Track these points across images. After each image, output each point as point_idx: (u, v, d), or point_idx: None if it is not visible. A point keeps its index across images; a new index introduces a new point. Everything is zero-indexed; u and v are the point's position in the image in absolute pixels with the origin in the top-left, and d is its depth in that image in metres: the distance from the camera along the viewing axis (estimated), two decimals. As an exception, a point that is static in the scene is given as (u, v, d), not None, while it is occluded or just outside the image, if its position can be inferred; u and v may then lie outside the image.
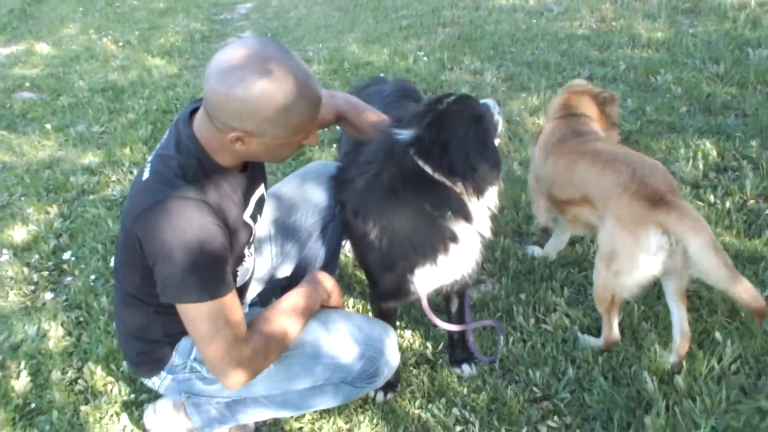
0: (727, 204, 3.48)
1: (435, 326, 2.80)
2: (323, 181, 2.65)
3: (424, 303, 2.44)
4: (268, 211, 2.57)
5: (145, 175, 1.94)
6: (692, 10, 6.87)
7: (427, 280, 2.29)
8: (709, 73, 5.16)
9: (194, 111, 1.99)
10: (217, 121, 1.84)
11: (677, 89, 4.95)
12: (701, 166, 3.87)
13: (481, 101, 2.31)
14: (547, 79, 5.48)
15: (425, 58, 6.23)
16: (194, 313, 1.86)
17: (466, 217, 2.15)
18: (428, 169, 2.07)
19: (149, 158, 2.01)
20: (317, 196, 2.64)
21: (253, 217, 2.19)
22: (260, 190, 2.25)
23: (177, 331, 2.13)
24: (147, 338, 2.17)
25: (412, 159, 2.08)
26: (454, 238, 2.20)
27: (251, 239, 2.22)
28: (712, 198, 3.55)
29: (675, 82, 5.08)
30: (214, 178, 1.95)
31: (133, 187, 2.01)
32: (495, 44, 6.49)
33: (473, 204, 2.14)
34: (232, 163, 2.00)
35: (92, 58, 7.38)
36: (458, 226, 2.19)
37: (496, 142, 2.29)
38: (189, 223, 1.80)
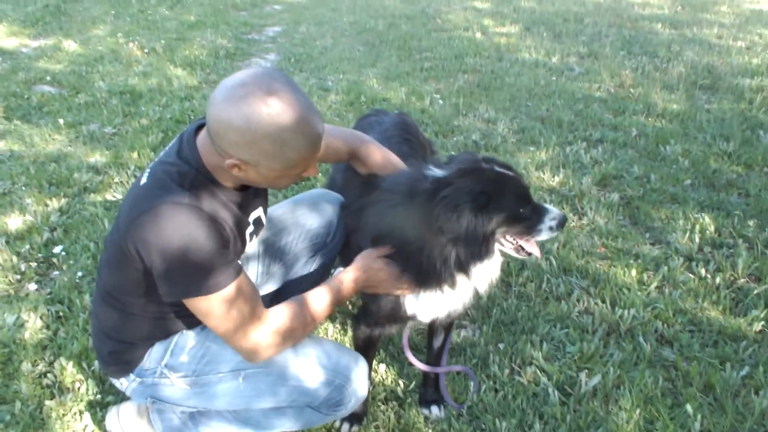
0: (717, 280, 3.49)
1: (410, 365, 2.81)
2: (317, 209, 2.67)
3: (405, 338, 2.46)
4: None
5: (143, 180, 1.97)
6: (710, 87, 6.93)
7: (424, 307, 2.31)
8: (719, 149, 5.19)
9: (201, 126, 2.01)
10: (216, 146, 1.86)
11: (684, 161, 4.98)
12: (697, 240, 3.87)
13: (544, 205, 2.25)
14: (558, 135, 5.52)
15: (441, 101, 6.28)
16: (206, 306, 1.91)
17: (460, 274, 2.17)
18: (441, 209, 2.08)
19: (150, 165, 2.03)
20: (310, 221, 2.66)
21: (251, 235, 2.22)
22: (258, 211, 2.27)
23: (151, 335, 2.16)
24: (121, 338, 2.18)
25: (429, 200, 2.09)
26: (453, 284, 2.20)
27: (239, 256, 2.24)
28: (703, 272, 3.56)
29: (683, 155, 5.12)
30: (211, 189, 1.97)
31: (130, 192, 2.03)
32: (512, 96, 6.55)
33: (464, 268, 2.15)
34: (231, 183, 2.02)
35: (116, 60, 7.47)
36: (458, 275, 2.19)
37: (534, 249, 2.27)
38: (185, 224, 1.82)
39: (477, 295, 2.30)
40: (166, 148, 2.09)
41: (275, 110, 1.76)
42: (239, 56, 8.13)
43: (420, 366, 2.61)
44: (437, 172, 2.18)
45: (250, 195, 2.15)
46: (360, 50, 8.32)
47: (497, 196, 2.10)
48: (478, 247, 2.10)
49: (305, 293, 2.13)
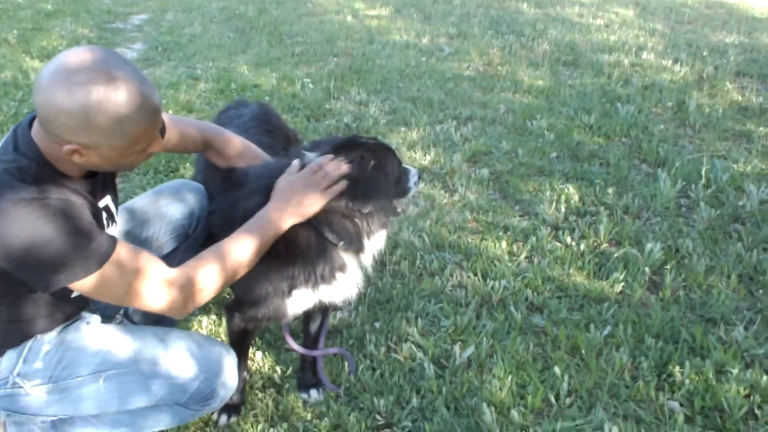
0: (582, 246, 3.65)
1: (288, 349, 2.80)
2: (179, 198, 2.61)
3: (284, 324, 2.46)
4: (120, 223, 2.49)
5: None
6: (573, 63, 7.22)
7: (303, 302, 2.29)
8: (581, 122, 5.43)
9: (35, 118, 1.90)
10: (51, 134, 1.76)
11: (550, 135, 5.18)
12: (563, 209, 4.04)
13: (404, 166, 2.34)
14: (428, 115, 5.61)
15: (312, 86, 6.25)
16: (96, 284, 1.81)
17: (359, 249, 2.19)
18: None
19: None
20: (172, 211, 2.58)
21: (100, 226, 2.12)
22: (107, 199, 2.16)
23: (2, 344, 2.03)
24: None
25: None
26: (342, 268, 2.23)
27: None
28: (569, 240, 3.71)
29: (549, 128, 5.31)
30: (57, 180, 1.85)
31: None
32: (384, 78, 6.60)
33: (365, 239, 2.18)
34: (74, 172, 1.91)
35: (-37, 54, 7.04)
36: (348, 256, 2.22)
37: (400, 207, 2.36)
38: (33, 220, 1.71)
39: (366, 274, 2.34)
40: (0, 145, 1.94)
41: (105, 86, 1.68)
42: (103, 47, 7.79)
43: (300, 350, 2.60)
44: (312, 155, 2.18)
45: (98, 183, 2.06)
46: (230, 37, 8.16)
47: (383, 163, 2.19)
48: (380, 217, 2.19)
49: (223, 241, 2.05)
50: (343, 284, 2.28)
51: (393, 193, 2.26)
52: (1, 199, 1.73)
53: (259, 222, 2.08)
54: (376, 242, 2.24)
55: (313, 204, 2.09)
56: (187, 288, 1.96)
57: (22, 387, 2.03)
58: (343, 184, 2.09)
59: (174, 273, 1.94)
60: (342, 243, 2.15)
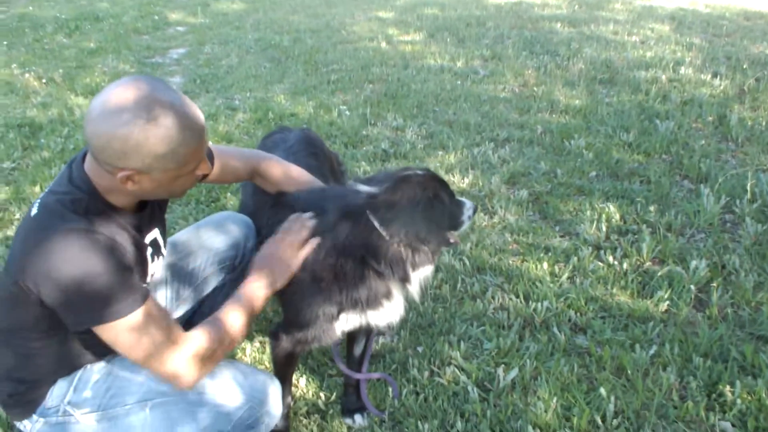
0: (625, 265, 3.60)
1: (333, 375, 2.84)
2: (223, 230, 2.65)
3: (334, 347, 2.50)
4: (165, 256, 2.54)
5: (34, 211, 1.91)
6: (609, 81, 7.16)
7: (349, 324, 2.33)
8: (620, 140, 5.38)
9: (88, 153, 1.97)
10: (103, 164, 1.83)
11: (588, 154, 5.13)
12: (604, 228, 3.99)
13: (459, 198, 2.40)
14: (465, 138, 5.61)
15: (348, 113, 6.30)
16: (113, 334, 1.85)
17: (405, 280, 2.22)
18: (379, 227, 2.14)
19: (40, 196, 1.98)
20: (216, 243, 2.64)
21: (151, 257, 2.17)
22: (155, 233, 2.22)
23: (54, 372, 2.09)
24: (21, 378, 2.09)
25: (366, 213, 2.16)
26: (388, 296, 2.28)
27: (149, 279, 2.19)
28: (611, 259, 3.66)
29: (587, 148, 5.27)
30: (107, 214, 1.93)
31: (21, 225, 1.97)
32: (419, 102, 6.62)
33: (411, 270, 2.20)
34: (126, 203, 1.99)
35: (11, 92, 7.21)
36: (394, 285, 2.26)
37: (452, 238, 2.37)
38: (82, 251, 1.78)
39: (411, 302, 2.37)
40: (56, 178, 2.03)
41: (154, 111, 1.75)
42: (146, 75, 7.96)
43: (345, 371, 2.62)
44: (366, 187, 2.26)
45: (146, 216, 2.12)
46: (266, 67, 8.28)
47: (437, 198, 2.24)
48: (431, 249, 2.22)
49: (217, 312, 2.10)
50: (388, 311, 2.32)
51: (444, 226, 2.30)
52: (53, 229, 1.80)
53: (241, 298, 2.14)
54: (422, 273, 2.26)
55: (283, 276, 2.22)
56: (206, 364, 2.00)
57: (72, 415, 2.08)
58: (314, 242, 2.21)
59: (197, 345, 1.97)
60: (388, 272, 2.18)
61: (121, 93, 1.77)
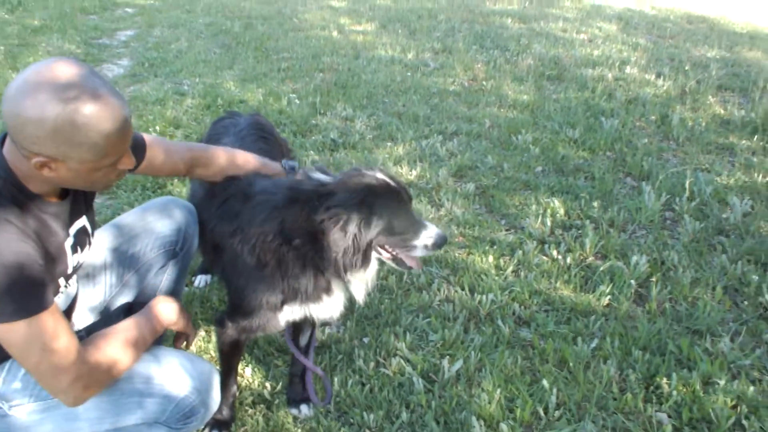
0: (568, 260, 3.67)
1: (285, 362, 2.88)
2: (167, 214, 2.60)
3: (288, 335, 2.54)
4: (107, 239, 2.49)
5: None
6: (557, 78, 7.28)
7: (291, 315, 2.33)
8: (566, 136, 5.47)
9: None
10: (19, 146, 1.73)
11: (535, 149, 5.21)
12: (549, 223, 4.06)
13: (426, 222, 2.27)
14: (414, 130, 5.63)
15: (298, 101, 6.27)
16: (10, 335, 1.74)
17: (339, 276, 2.20)
18: (322, 217, 2.11)
19: None
20: (160, 227, 2.57)
21: (74, 248, 2.08)
22: (82, 221, 2.13)
23: None
24: None
25: (312, 201, 2.14)
26: (328, 291, 2.27)
27: (71, 271, 2.13)
28: (555, 253, 3.73)
29: (534, 143, 5.35)
30: (25, 203, 1.83)
31: None
32: (369, 93, 6.62)
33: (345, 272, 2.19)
34: (45, 190, 1.89)
35: (-52, 69, 7.01)
36: (333, 280, 2.25)
37: (409, 261, 2.28)
38: None
39: (352, 301, 2.37)
40: None
41: (71, 95, 1.66)
42: (90, 62, 7.77)
43: (304, 361, 2.59)
44: (322, 176, 2.24)
45: (71, 204, 2.04)
46: (216, 52, 8.18)
47: (379, 206, 2.15)
48: (357, 256, 2.15)
49: (115, 326, 2.02)
50: (328, 305, 2.32)
51: (394, 235, 2.20)
52: None
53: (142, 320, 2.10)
54: (362, 273, 2.23)
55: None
56: (75, 391, 1.88)
57: (2, 408, 2.00)
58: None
59: (76, 371, 1.84)
60: (325, 266, 2.17)
61: (43, 73, 1.68)
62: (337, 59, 7.87)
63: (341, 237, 2.10)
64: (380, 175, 2.23)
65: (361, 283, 2.29)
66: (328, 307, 2.33)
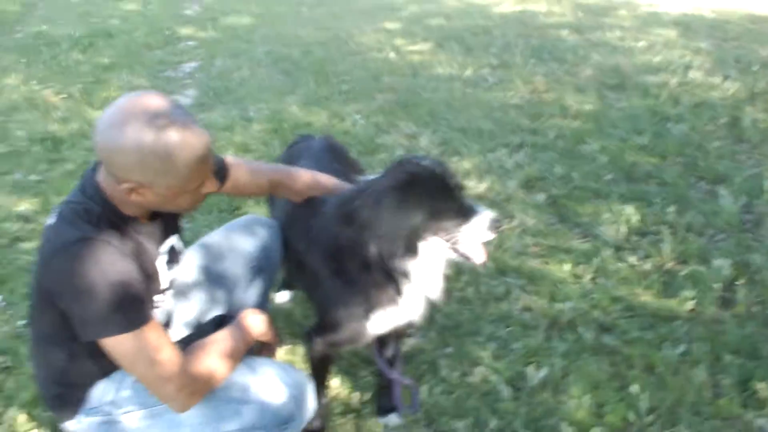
0: (647, 266, 3.64)
1: (372, 372, 2.94)
2: (251, 233, 2.71)
3: (375, 348, 2.60)
4: (196, 258, 2.61)
5: (51, 220, 1.97)
6: (619, 86, 7.20)
7: (379, 325, 2.37)
8: (633, 143, 5.41)
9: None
10: (110, 174, 1.89)
11: (603, 158, 5.17)
12: (624, 230, 4.03)
13: (476, 206, 2.21)
14: (479, 144, 5.65)
15: (362, 121, 6.36)
16: (118, 347, 1.89)
17: (405, 279, 2.24)
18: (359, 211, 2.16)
19: (57, 206, 2.03)
20: (245, 245, 2.69)
21: (167, 265, 2.22)
22: (172, 239, 2.28)
23: (95, 373, 2.13)
24: (64, 381, 2.16)
25: (356, 208, 2.18)
26: (398, 290, 2.27)
27: (166, 287, 2.24)
28: (633, 259, 3.71)
29: (601, 151, 5.31)
30: (122, 226, 1.99)
31: (42, 234, 2.03)
32: (431, 110, 6.66)
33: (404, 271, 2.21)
34: (137, 213, 2.04)
35: (33, 108, 7.28)
36: (406, 284, 2.26)
37: (473, 253, 2.24)
38: (96, 262, 1.84)
39: (429, 303, 2.36)
40: (72, 189, 2.08)
41: (157, 126, 1.79)
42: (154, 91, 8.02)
43: (387, 372, 2.65)
44: (370, 176, 2.29)
45: (162, 225, 2.18)
46: (278, 79, 8.34)
47: (417, 191, 2.13)
48: (398, 243, 2.13)
49: (210, 337, 2.14)
50: (405, 306, 2.33)
51: (437, 228, 2.17)
52: (66, 240, 1.87)
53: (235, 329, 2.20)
54: (417, 266, 2.22)
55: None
56: (180, 401, 2.02)
57: (114, 414, 2.13)
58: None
59: (180, 381, 1.98)
60: (378, 272, 2.21)
61: (129, 107, 1.82)
62: (396, 79, 7.93)
63: (372, 221, 2.11)
64: (425, 162, 2.23)
65: (423, 276, 2.25)
66: (406, 309, 2.34)
